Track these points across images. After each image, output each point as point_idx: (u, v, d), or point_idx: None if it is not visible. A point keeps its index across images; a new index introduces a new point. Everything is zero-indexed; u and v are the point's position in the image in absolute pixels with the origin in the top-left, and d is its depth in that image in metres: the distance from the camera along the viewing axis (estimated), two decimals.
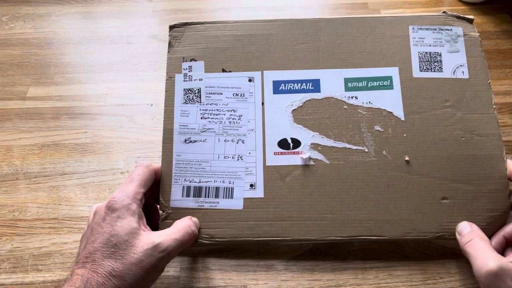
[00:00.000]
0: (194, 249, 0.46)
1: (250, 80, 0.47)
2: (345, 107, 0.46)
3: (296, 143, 0.45)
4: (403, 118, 0.45)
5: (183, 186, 0.45)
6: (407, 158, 0.44)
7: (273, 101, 0.46)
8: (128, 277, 0.35)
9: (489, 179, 0.44)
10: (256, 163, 0.45)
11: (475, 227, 0.41)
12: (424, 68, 0.47)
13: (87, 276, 0.34)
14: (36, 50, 0.67)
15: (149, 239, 0.37)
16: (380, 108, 0.46)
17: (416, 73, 0.46)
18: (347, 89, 0.46)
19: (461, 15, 0.48)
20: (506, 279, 0.35)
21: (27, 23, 0.71)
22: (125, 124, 0.57)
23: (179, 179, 0.45)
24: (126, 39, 0.68)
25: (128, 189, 0.40)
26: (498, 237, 0.42)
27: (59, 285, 0.43)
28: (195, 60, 0.47)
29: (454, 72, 0.46)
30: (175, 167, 0.45)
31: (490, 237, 0.42)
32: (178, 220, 0.42)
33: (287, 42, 0.48)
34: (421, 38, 0.47)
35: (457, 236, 0.42)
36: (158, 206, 0.45)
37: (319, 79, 0.47)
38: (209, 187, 0.45)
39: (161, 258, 0.36)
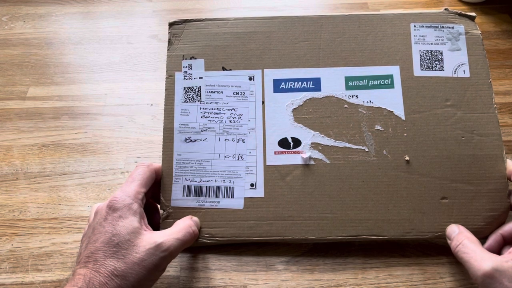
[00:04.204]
0: (194, 247, 0.46)
1: (250, 79, 0.47)
2: (345, 106, 0.46)
3: (297, 142, 0.45)
4: (403, 118, 0.45)
5: (183, 186, 0.45)
6: (407, 158, 0.44)
7: (274, 100, 0.46)
8: (130, 277, 0.35)
9: (489, 179, 0.44)
10: (256, 162, 0.45)
11: (462, 229, 0.41)
12: (425, 66, 0.47)
13: (89, 275, 0.34)
14: (36, 50, 0.67)
15: (151, 238, 0.37)
16: (380, 107, 0.46)
17: (417, 71, 0.46)
18: (348, 88, 0.46)
19: (463, 12, 0.48)
20: (503, 279, 0.34)
21: (27, 23, 0.71)
22: (125, 124, 0.57)
23: (180, 179, 0.45)
24: (126, 39, 0.68)
25: (129, 188, 0.40)
26: (496, 235, 0.42)
27: (59, 285, 0.43)
28: (195, 58, 0.47)
29: (455, 71, 0.46)
30: (176, 166, 0.45)
31: (488, 237, 0.42)
32: (179, 220, 0.42)
33: (288, 39, 0.48)
34: (422, 36, 0.47)
35: (448, 241, 0.42)
36: (159, 206, 0.45)
37: (319, 78, 0.47)
38: (209, 186, 0.45)
39: (163, 257, 0.36)
